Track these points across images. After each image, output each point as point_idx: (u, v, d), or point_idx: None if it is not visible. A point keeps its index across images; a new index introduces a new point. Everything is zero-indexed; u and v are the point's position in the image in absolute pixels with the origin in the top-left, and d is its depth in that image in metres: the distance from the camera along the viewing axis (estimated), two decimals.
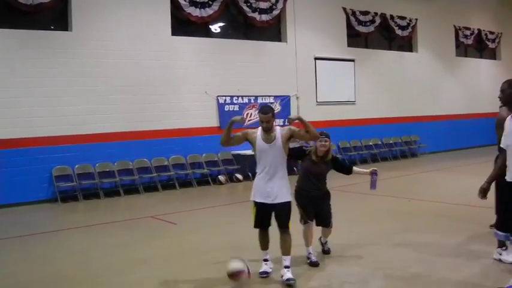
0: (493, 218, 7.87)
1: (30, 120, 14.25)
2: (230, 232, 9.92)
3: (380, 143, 22.09)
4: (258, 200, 7.22)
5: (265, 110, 7.10)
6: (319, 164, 7.80)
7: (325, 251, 8.25)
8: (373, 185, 7.95)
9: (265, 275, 7.36)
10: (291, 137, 7.19)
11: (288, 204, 7.21)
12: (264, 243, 7.46)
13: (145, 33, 16.17)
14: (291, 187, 7.32)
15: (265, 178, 7.17)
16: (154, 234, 10.44)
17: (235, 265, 6.88)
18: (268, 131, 7.12)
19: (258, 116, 7.34)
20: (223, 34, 18.58)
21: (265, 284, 7.14)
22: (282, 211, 7.18)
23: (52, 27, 15.31)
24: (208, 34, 18.16)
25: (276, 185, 7.14)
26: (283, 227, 7.20)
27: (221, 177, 17.10)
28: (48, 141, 14.55)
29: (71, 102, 14.86)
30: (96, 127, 15.25)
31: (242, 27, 19.07)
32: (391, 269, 7.47)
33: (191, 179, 16.79)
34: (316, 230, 7.99)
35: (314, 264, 7.70)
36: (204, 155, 17.27)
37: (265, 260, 7.49)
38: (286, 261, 7.17)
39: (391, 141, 22.40)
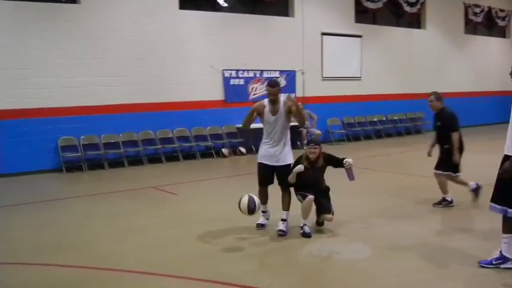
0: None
1: (38, 91, 14.44)
2: (229, 203, 10.01)
3: (385, 119, 22.16)
4: (262, 161, 8.26)
5: (273, 84, 8.16)
6: (313, 169, 8.14)
7: (319, 223, 8.44)
8: (350, 177, 8.20)
9: (260, 227, 8.41)
10: (289, 111, 8.03)
11: (289, 166, 8.14)
12: (263, 198, 8.33)
13: (153, 6, 16.26)
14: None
15: (271, 144, 8.20)
16: (154, 204, 10.68)
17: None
18: (274, 102, 8.05)
19: (265, 89, 8.33)
20: (231, 8, 18.61)
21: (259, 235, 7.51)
22: (285, 172, 8.12)
23: (61, 0, 15.43)
24: (216, 8, 18.22)
25: (279, 150, 8.19)
26: (286, 185, 8.23)
27: (224, 150, 17.27)
28: (55, 112, 14.76)
29: (78, 73, 15.02)
30: (102, 99, 15.43)
31: (249, 1, 19.08)
32: (380, 241, 7.68)
33: (195, 151, 16.98)
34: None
35: (307, 235, 7.94)
36: (208, 128, 17.45)
37: (264, 212, 8.46)
38: (284, 215, 8.23)
39: (395, 118, 22.46)
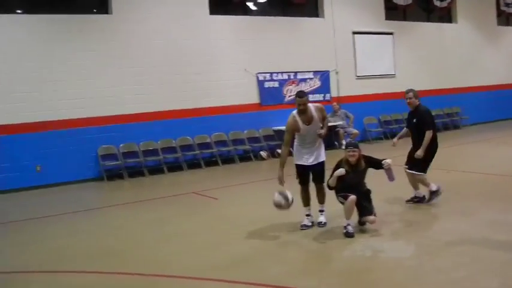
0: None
1: (76, 101, 14.71)
2: (270, 206, 10.09)
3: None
4: (299, 163, 8.59)
5: (301, 95, 8.48)
6: (353, 173, 8.17)
7: (361, 223, 8.43)
8: (390, 178, 8.33)
9: (305, 227, 8.53)
10: (323, 119, 8.61)
11: (322, 163, 8.66)
12: (306, 200, 8.72)
13: (184, 13, 16.40)
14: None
15: (305, 148, 8.55)
16: (195, 209, 10.82)
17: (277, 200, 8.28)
18: (305, 112, 8.33)
19: (295, 101, 8.52)
20: (261, 12, 18.73)
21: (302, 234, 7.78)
22: (318, 170, 8.61)
23: (94, 11, 15.68)
24: (246, 12, 18.33)
25: (313, 153, 8.55)
26: (320, 182, 8.66)
27: (263, 153, 17.35)
28: (94, 121, 15.01)
29: (113, 83, 15.26)
30: (139, 107, 15.64)
31: (280, 4, 19.15)
32: (424, 238, 7.68)
33: (233, 155, 17.07)
34: None
35: (350, 235, 7.94)
36: (245, 131, 17.55)
37: (307, 215, 8.70)
38: (321, 207, 8.73)
39: (432, 113, 22.18)
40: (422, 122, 9.50)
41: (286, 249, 7.67)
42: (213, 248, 7.94)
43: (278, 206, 8.26)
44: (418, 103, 9.69)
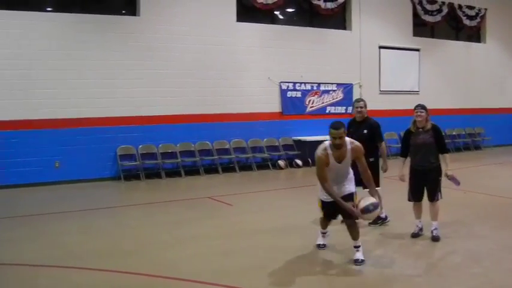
0: None
1: (99, 101, 14.83)
2: (284, 215, 10.15)
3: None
4: (323, 199, 7.53)
5: (337, 126, 7.09)
6: (420, 134, 8.31)
7: (435, 238, 8.35)
8: (455, 183, 8.67)
9: (323, 247, 8.05)
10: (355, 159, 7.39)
11: (351, 195, 7.44)
12: (325, 225, 8.04)
13: (211, 19, 16.48)
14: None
15: (336, 187, 7.38)
16: (209, 214, 10.82)
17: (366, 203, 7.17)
18: (339, 148, 7.16)
19: (329, 132, 7.16)
20: (288, 21, 18.75)
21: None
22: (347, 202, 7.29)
23: (123, 12, 15.80)
24: (273, 21, 18.35)
25: (341, 189, 7.45)
26: (349, 218, 7.39)
27: (281, 162, 17.33)
28: (114, 121, 15.11)
29: (137, 84, 15.35)
30: (160, 109, 15.72)
31: (307, 14, 19.16)
32: (434, 259, 7.64)
33: (251, 162, 17.09)
34: None
35: (416, 236, 8.38)
36: (265, 139, 17.54)
37: (324, 233, 8.09)
38: (356, 243, 7.42)
39: (454, 133, 22.06)
40: (375, 134, 9.16)
41: (296, 261, 7.60)
42: (225, 254, 7.92)
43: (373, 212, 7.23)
44: (366, 114, 9.32)
